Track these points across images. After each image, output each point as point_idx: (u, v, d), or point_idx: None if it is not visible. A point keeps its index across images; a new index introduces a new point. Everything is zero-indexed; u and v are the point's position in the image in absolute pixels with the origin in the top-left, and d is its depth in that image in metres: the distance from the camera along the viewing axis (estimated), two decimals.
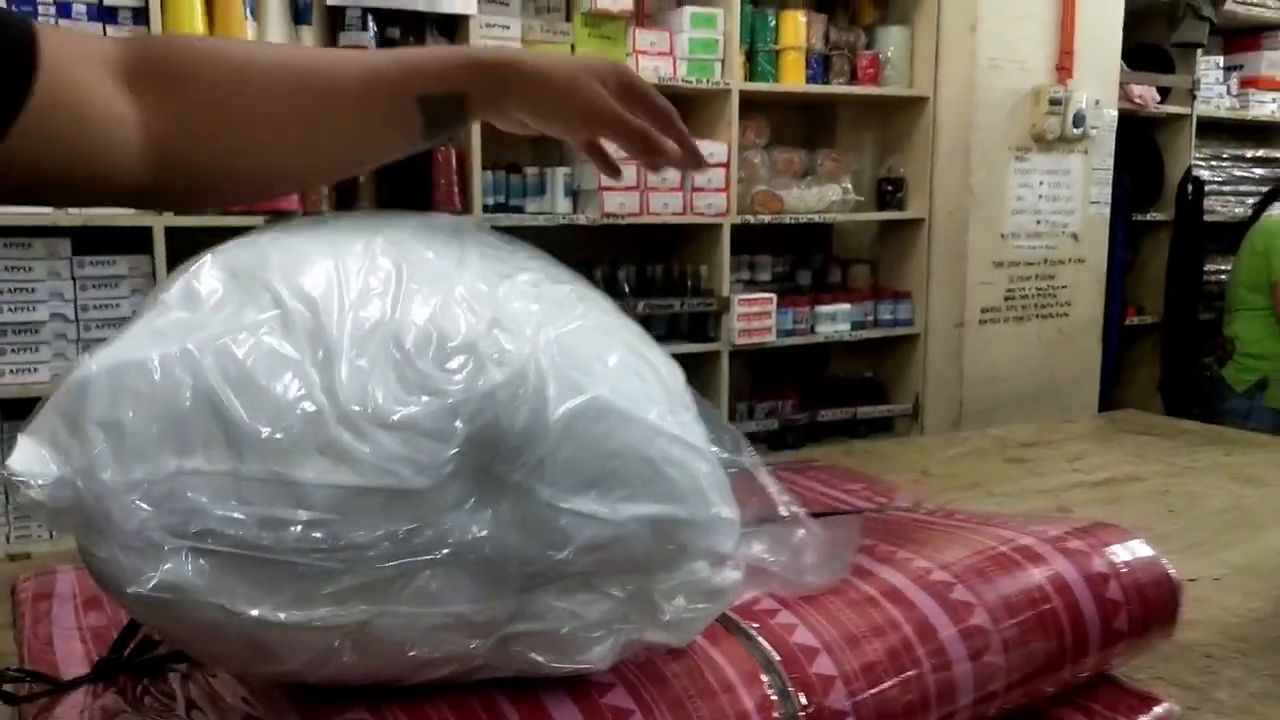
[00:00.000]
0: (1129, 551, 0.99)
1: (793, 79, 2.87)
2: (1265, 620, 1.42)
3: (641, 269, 2.81)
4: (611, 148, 0.68)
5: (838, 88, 2.96)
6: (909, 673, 0.69)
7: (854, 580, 0.85)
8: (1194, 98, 3.56)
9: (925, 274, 3.08)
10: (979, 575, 0.89)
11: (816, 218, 2.92)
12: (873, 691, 0.65)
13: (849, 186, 3.00)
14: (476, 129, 2.36)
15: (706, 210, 2.71)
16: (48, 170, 0.56)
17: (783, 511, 0.68)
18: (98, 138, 0.57)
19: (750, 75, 2.81)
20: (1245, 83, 3.76)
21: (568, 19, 2.60)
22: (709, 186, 2.69)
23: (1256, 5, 3.72)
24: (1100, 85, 3.16)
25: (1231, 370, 3.33)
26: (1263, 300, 3.20)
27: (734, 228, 2.84)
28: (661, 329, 2.76)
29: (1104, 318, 3.29)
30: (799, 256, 3.18)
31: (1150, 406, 3.68)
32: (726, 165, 2.71)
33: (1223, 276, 3.60)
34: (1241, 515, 1.94)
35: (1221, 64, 3.72)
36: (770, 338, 2.83)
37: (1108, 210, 3.26)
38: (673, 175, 2.65)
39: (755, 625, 0.64)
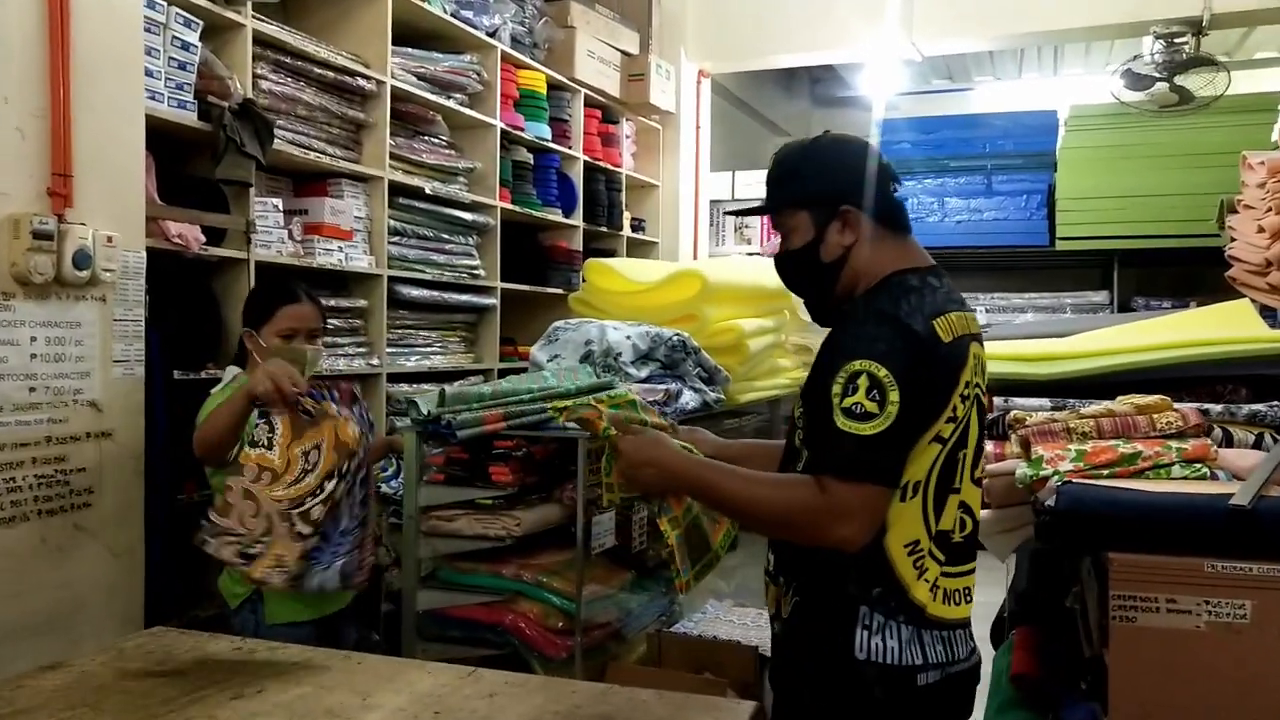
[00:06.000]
0: None
1: None
2: None
3: None
4: None
5: None
6: None
7: None
8: (250, 241, 3.20)
9: None
10: None
11: None
12: None
13: None
14: None
15: None
16: None
17: None
18: None
19: None
20: (310, 229, 3.53)
21: None
22: None
23: (315, 151, 3.55)
24: (118, 219, 2.56)
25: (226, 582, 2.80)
26: None
27: None
28: None
29: (146, 503, 2.64)
30: None
31: None
32: None
33: None
34: None
35: (282, 206, 3.43)
36: None
37: (142, 370, 2.65)
38: None
39: None
